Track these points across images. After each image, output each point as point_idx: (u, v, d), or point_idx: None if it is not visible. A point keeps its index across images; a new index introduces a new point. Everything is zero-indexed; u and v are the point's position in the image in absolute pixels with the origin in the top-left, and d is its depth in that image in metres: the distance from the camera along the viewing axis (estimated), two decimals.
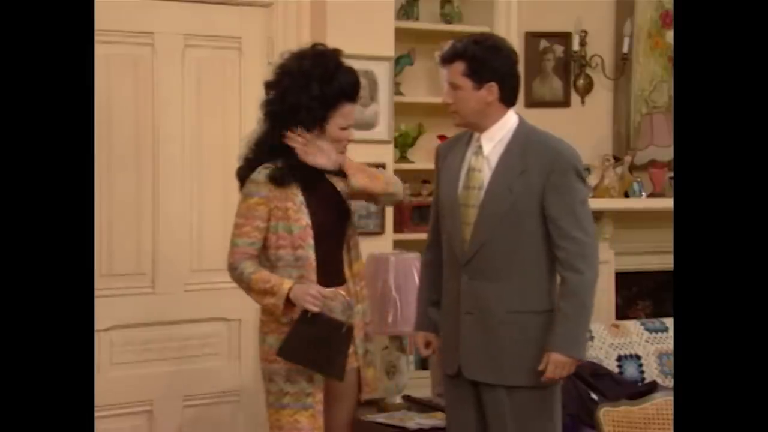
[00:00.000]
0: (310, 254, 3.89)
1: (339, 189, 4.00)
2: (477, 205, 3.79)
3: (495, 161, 3.80)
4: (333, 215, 3.98)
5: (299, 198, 3.90)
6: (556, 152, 3.80)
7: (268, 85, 4.01)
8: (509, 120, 3.84)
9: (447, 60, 3.85)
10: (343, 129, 3.96)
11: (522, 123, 3.86)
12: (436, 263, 3.98)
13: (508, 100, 3.84)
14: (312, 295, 3.80)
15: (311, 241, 3.89)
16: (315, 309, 3.81)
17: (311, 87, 3.88)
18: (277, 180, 3.88)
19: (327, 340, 3.83)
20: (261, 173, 3.92)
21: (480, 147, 3.83)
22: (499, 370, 3.77)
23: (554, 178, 3.75)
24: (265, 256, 3.94)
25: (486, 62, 3.78)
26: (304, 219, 3.89)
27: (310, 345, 3.82)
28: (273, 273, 3.89)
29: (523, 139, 3.81)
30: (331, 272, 3.96)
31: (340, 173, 3.99)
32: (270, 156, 3.94)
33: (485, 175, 3.80)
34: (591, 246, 3.78)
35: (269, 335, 3.95)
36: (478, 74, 3.78)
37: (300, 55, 3.99)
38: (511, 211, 3.75)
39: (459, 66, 3.80)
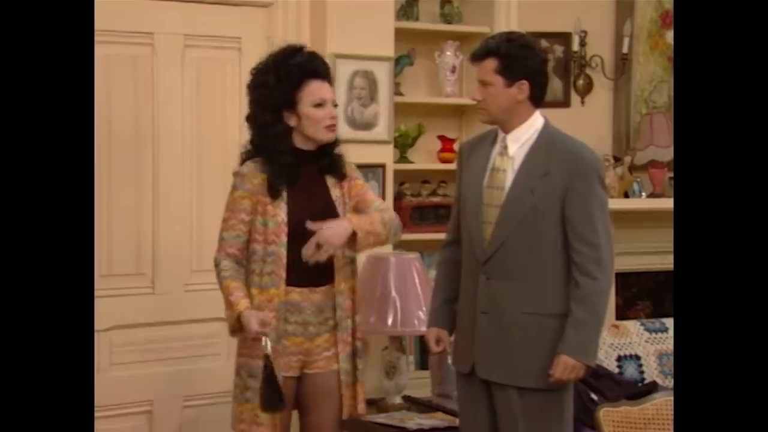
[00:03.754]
0: (282, 251, 3.85)
1: (333, 195, 3.96)
2: (499, 204, 3.78)
3: (519, 162, 3.79)
4: (313, 214, 3.86)
5: (282, 193, 3.88)
6: (579, 156, 3.79)
7: (248, 87, 4.01)
8: (536, 121, 3.83)
9: (479, 57, 3.80)
10: (318, 106, 3.89)
11: (547, 125, 3.85)
12: (454, 261, 3.96)
13: (537, 99, 3.82)
14: (259, 321, 3.75)
15: (285, 238, 3.85)
16: (256, 335, 3.75)
17: (269, 77, 3.88)
18: (270, 192, 3.86)
19: (266, 380, 3.78)
20: (247, 166, 3.93)
21: (506, 147, 3.81)
22: (512, 370, 3.77)
23: (576, 182, 3.74)
24: (248, 250, 3.92)
25: (518, 60, 3.76)
26: (281, 215, 3.86)
27: (263, 389, 3.78)
28: (250, 269, 3.88)
29: (548, 141, 3.80)
30: (305, 272, 3.86)
31: (340, 177, 3.98)
32: (257, 150, 3.93)
33: (509, 175, 3.78)
34: (606, 252, 3.76)
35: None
36: (510, 72, 3.75)
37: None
38: (532, 213, 3.74)
39: (491, 63, 3.77)
